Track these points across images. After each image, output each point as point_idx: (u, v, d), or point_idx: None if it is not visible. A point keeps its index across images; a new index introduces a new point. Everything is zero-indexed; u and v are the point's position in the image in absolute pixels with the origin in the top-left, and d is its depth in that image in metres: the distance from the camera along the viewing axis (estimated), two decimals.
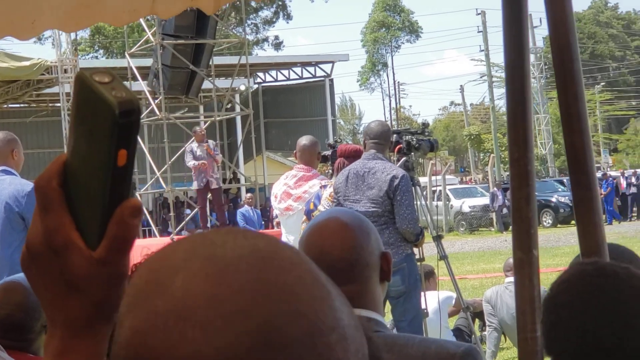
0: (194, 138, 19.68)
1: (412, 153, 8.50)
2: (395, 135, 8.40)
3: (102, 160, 0.99)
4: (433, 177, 38.77)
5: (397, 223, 7.40)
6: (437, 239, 8.92)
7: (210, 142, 20.00)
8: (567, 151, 2.50)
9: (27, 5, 3.22)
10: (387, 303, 7.77)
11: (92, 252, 1.02)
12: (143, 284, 0.89)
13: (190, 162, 19.33)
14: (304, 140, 8.61)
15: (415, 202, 7.87)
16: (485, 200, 37.65)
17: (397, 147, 8.43)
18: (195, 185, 19.73)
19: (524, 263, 2.53)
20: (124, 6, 3.29)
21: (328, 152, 8.68)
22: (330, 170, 8.63)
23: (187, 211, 26.77)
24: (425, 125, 9.14)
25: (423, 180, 38.54)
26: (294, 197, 8.34)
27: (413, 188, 8.55)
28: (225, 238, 0.90)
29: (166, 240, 16.64)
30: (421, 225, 7.81)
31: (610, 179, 39.03)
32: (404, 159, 8.41)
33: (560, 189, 39.23)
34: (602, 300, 2.02)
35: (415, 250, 7.97)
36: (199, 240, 0.91)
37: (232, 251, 0.88)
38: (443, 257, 8.80)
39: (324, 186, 8.14)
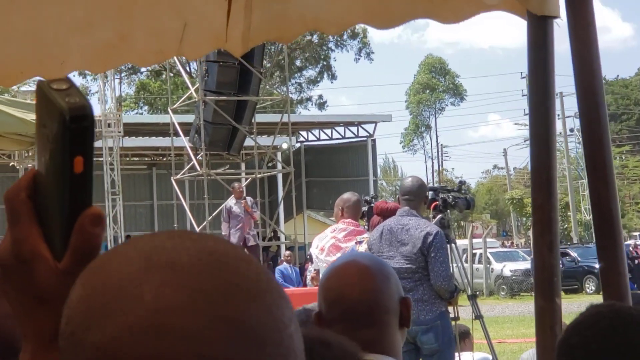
0: (232, 195, 19.73)
1: (448, 210, 8.47)
2: (431, 193, 8.38)
3: (59, 167, 0.97)
4: (474, 240, 38.57)
5: (431, 280, 7.34)
6: (472, 297, 8.84)
7: (249, 199, 20.03)
8: (592, 200, 2.46)
9: (56, 46, 3.24)
10: None
11: (58, 263, 1.00)
12: (99, 297, 0.86)
13: (224, 224, 19.41)
14: (350, 195, 8.61)
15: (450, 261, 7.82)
16: (526, 265, 37.30)
17: (433, 204, 8.40)
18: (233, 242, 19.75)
19: (546, 312, 2.48)
20: (151, 47, 3.30)
21: (364, 208, 8.67)
22: (366, 226, 8.61)
23: None
24: (462, 182, 9.11)
25: (464, 242, 38.37)
26: (344, 250, 8.31)
27: (449, 246, 8.51)
28: (173, 243, 0.89)
29: None
30: (455, 284, 7.76)
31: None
32: (439, 216, 8.37)
33: None
34: (617, 342, 1.94)
35: (450, 309, 7.91)
36: (147, 248, 0.88)
37: (188, 257, 0.87)
38: (478, 316, 8.71)
39: (360, 242, 8.12)
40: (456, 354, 8.05)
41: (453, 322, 8.05)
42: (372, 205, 8.52)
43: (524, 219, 62.12)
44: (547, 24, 2.62)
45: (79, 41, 3.20)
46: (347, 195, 8.57)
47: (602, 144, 2.43)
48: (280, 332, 0.86)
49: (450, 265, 8.02)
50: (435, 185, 9.11)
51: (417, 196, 7.62)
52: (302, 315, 3.27)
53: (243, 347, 0.84)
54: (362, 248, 7.92)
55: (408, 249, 7.40)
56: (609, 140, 2.51)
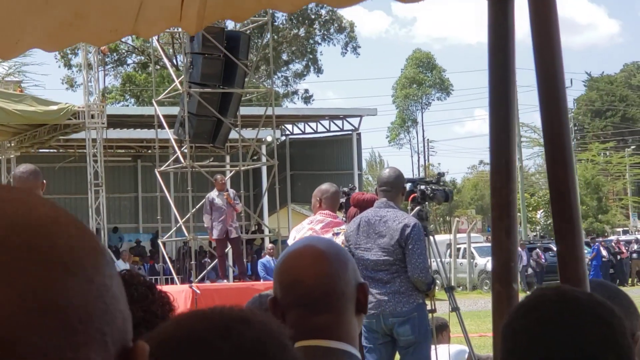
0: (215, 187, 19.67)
1: (427, 202, 8.42)
2: (409, 184, 8.34)
3: None
4: (459, 235, 38.62)
5: (408, 272, 7.31)
6: (449, 290, 8.81)
7: (231, 191, 19.98)
8: (550, 182, 2.41)
9: (10, 25, 3.19)
10: (397, 354, 7.67)
11: None
12: None
13: (206, 216, 19.37)
14: (328, 186, 8.55)
15: (428, 252, 7.79)
16: None
17: (412, 196, 8.36)
18: (214, 235, 19.66)
19: (503, 296, 2.44)
20: (106, 25, 3.24)
21: (342, 200, 8.61)
22: (344, 218, 8.55)
23: (208, 260, 26.71)
24: (440, 174, 9.07)
25: (448, 237, 38.39)
26: None
27: (427, 238, 8.47)
28: None
29: (185, 287, 16.56)
30: (433, 275, 7.72)
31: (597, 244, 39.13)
32: (418, 208, 8.33)
33: (585, 251, 39.03)
34: (561, 327, 1.87)
35: (428, 302, 7.88)
36: None
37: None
38: (455, 309, 8.68)
39: (337, 234, 8.07)
40: (433, 347, 8.02)
41: (430, 315, 8.01)
42: (349, 196, 8.46)
43: None
44: (507, 3, 2.57)
45: (33, 20, 3.15)
46: (325, 186, 8.52)
47: (560, 124, 2.38)
48: (103, 297, 0.83)
49: (428, 257, 7.99)
50: (414, 177, 9.04)
51: (394, 187, 7.57)
52: (256, 302, 3.22)
53: (52, 329, 0.79)
54: (339, 240, 7.87)
55: (385, 241, 7.36)
56: (568, 120, 2.46)
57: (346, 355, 2.33)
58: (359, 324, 2.44)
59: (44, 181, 6.55)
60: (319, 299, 2.33)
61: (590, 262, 36.57)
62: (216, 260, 21.78)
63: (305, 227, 8.35)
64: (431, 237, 8.68)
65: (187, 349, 1.13)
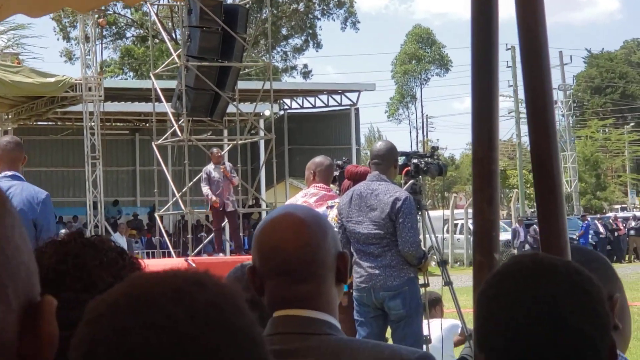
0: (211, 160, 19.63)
1: (420, 176, 8.38)
2: (403, 158, 8.29)
3: None
4: (457, 211, 38.59)
5: (399, 246, 7.28)
6: (442, 264, 8.78)
7: (228, 164, 19.94)
8: (532, 151, 2.39)
9: None
10: (389, 327, 7.67)
11: None
12: None
13: (204, 189, 19.31)
14: (322, 159, 8.51)
15: (419, 225, 7.77)
16: (507, 236, 37.37)
17: (405, 169, 8.32)
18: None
19: (484, 266, 2.42)
20: None
21: (336, 173, 8.56)
22: (337, 191, 8.52)
23: (204, 234, 26.70)
24: (434, 148, 9.01)
25: (446, 213, 38.38)
26: None
27: (421, 212, 8.44)
28: None
29: (181, 261, 16.55)
30: (429, 251, 7.71)
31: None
32: (411, 181, 8.29)
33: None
34: (537, 295, 1.83)
35: (421, 277, 7.86)
36: None
37: None
38: (448, 283, 8.66)
39: (331, 207, 8.04)
40: (425, 321, 8.01)
41: (422, 289, 8.00)
42: (343, 169, 8.42)
43: (507, 190, 62.21)
44: None
45: None
46: (319, 159, 8.48)
47: (543, 92, 2.35)
48: (3, 249, 0.81)
49: (420, 231, 7.97)
50: (408, 150, 8.98)
51: (386, 160, 7.53)
52: (238, 272, 3.20)
53: None
54: (334, 213, 7.86)
55: (376, 215, 7.33)
56: (551, 88, 2.43)
57: (325, 325, 2.31)
58: (340, 294, 2.41)
59: (26, 156, 6.51)
60: (298, 268, 2.30)
61: (578, 239, 36.61)
62: (212, 234, 21.77)
63: (300, 200, 8.31)
64: (425, 212, 8.65)
65: (137, 312, 1.11)
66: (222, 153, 20.47)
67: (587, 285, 1.86)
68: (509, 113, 59.06)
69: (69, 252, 2.02)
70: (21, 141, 6.62)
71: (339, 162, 8.70)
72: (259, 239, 2.35)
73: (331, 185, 8.54)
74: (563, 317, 1.82)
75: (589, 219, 40.28)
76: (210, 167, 19.34)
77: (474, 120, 2.48)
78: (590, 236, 37.92)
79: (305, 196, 8.35)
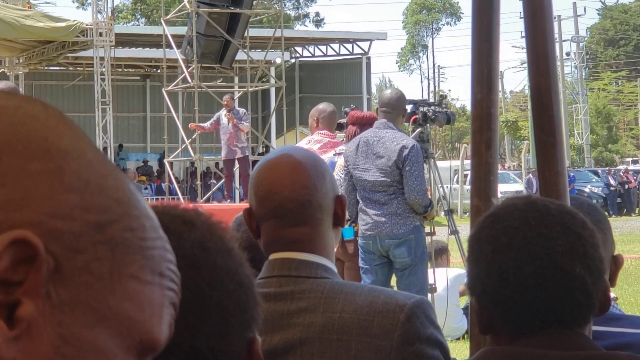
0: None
1: (428, 124, 8.34)
2: (411, 106, 8.24)
3: None
4: (466, 162, 38.53)
5: (405, 194, 7.27)
6: (449, 213, 8.76)
7: (241, 110, 19.76)
8: (532, 93, 2.36)
9: None
10: (394, 275, 7.67)
11: None
12: None
13: (203, 123, 19.37)
14: (325, 106, 8.47)
15: (426, 174, 7.74)
16: (517, 187, 37.31)
17: (413, 117, 8.27)
18: (222, 154, 19.61)
19: (481, 211, 2.39)
20: None
21: (343, 120, 8.51)
22: (343, 138, 8.48)
23: (213, 181, 26.70)
24: (442, 96, 8.95)
25: (456, 163, 38.32)
26: None
27: (429, 161, 8.41)
28: None
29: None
30: (430, 198, 7.68)
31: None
32: (419, 129, 8.24)
33: (594, 179, 39.02)
34: (528, 236, 1.81)
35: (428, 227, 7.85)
36: None
37: None
38: (454, 232, 8.65)
39: (339, 154, 8.01)
40: (431, 269, 8.01)
41: (428, 238, 7.99)
42: None
43: (518, 142, 62.05)
44: None
45: None
46: (322, 106, 8.44)
47: (544, 32, 2.31)
48: None
49: (426, 179, 7.94)
50: (416, 98, 8.91)
51: (395, 108, 7.49)
52: (239, 219, 3.14)
53: None
54: (341, 160, 7.83)
55: (383, 162, 7.31)
56: (552, 28, 2.39)
57: (321, 268, 2.29)
58: (336, 237, 2.40)
59: None
60: (294, 211, 2.27)
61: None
62: (222, 180, 21.76)
63: (304, 147, 8.28)
64: (432, 161, 8.61)
65: None
66: (231, 99, 20.33)
67: (579, 228, 1.84)
68: (521, 64, 58.77)
69: None
70: (17, 87, 6.60)
71: (347, 110, 8.66)
72: (255, 181, 2.33)
73: (337, 132, 8.51)
74: (554, 259, 1.80)
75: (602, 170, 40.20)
76: (222, 112, 19.22)
77: (473, 61, 2.44)
78: (600, 188, 37.82)
79: (309, 143, 8.31)
